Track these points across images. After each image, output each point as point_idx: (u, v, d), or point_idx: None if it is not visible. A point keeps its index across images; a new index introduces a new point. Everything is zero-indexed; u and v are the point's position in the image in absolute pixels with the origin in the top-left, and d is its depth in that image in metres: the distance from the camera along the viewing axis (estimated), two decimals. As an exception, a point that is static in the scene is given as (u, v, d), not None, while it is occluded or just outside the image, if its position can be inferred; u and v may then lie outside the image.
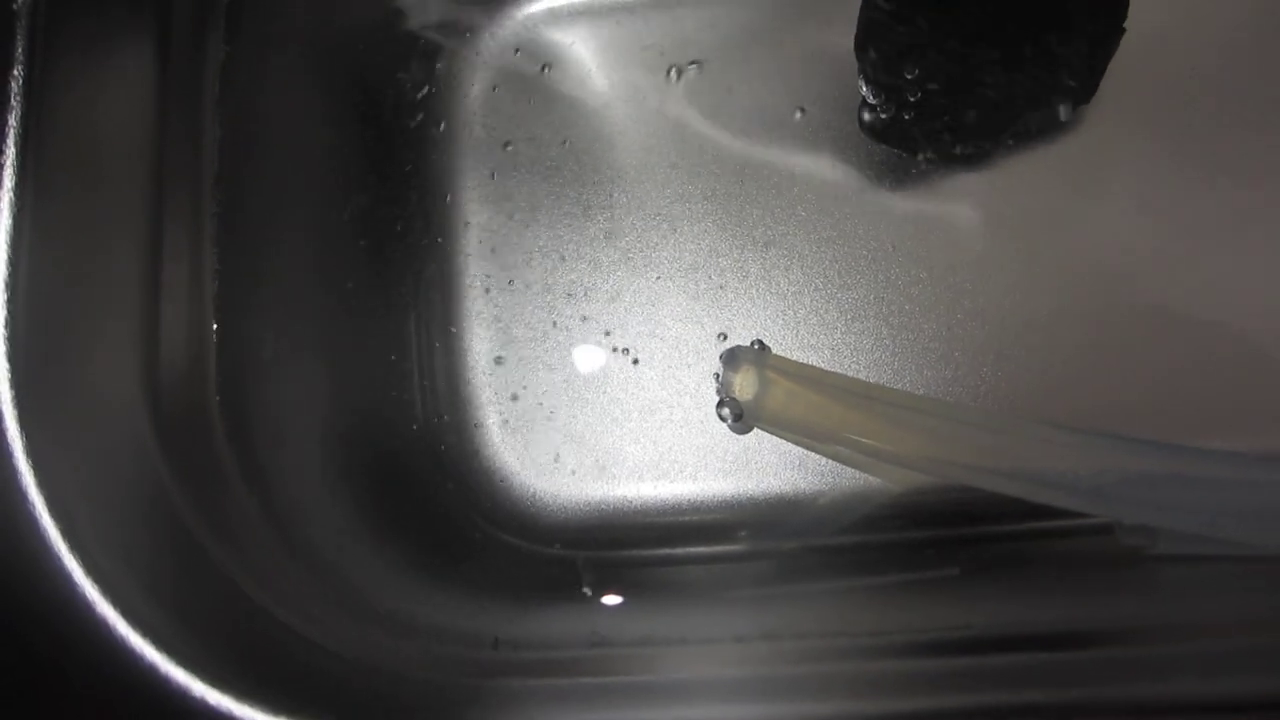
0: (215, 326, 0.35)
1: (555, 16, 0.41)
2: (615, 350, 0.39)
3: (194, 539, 0.31)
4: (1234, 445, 0.34)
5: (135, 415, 0.32)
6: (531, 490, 0.39)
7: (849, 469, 0.37)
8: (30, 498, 0.27)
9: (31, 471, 0.27)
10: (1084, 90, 0.37)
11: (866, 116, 0.38)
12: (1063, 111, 0.38)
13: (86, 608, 0.26)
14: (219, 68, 0.35)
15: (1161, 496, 0.29)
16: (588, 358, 0.39)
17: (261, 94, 0.37)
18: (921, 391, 0.37)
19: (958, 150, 0.38)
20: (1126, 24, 0.36)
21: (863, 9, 0.37)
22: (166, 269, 0.33)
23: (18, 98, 0.29)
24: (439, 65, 0.41)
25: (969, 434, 0.33)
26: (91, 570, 0.27)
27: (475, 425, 0.39)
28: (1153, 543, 0.31)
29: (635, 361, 0.39)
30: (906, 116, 0.37)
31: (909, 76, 0.37)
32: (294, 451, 0.36)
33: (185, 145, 0.35)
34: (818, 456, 0.38)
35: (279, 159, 0.38)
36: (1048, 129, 0.38)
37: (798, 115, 0.39)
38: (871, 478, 0.37)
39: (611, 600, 0.37)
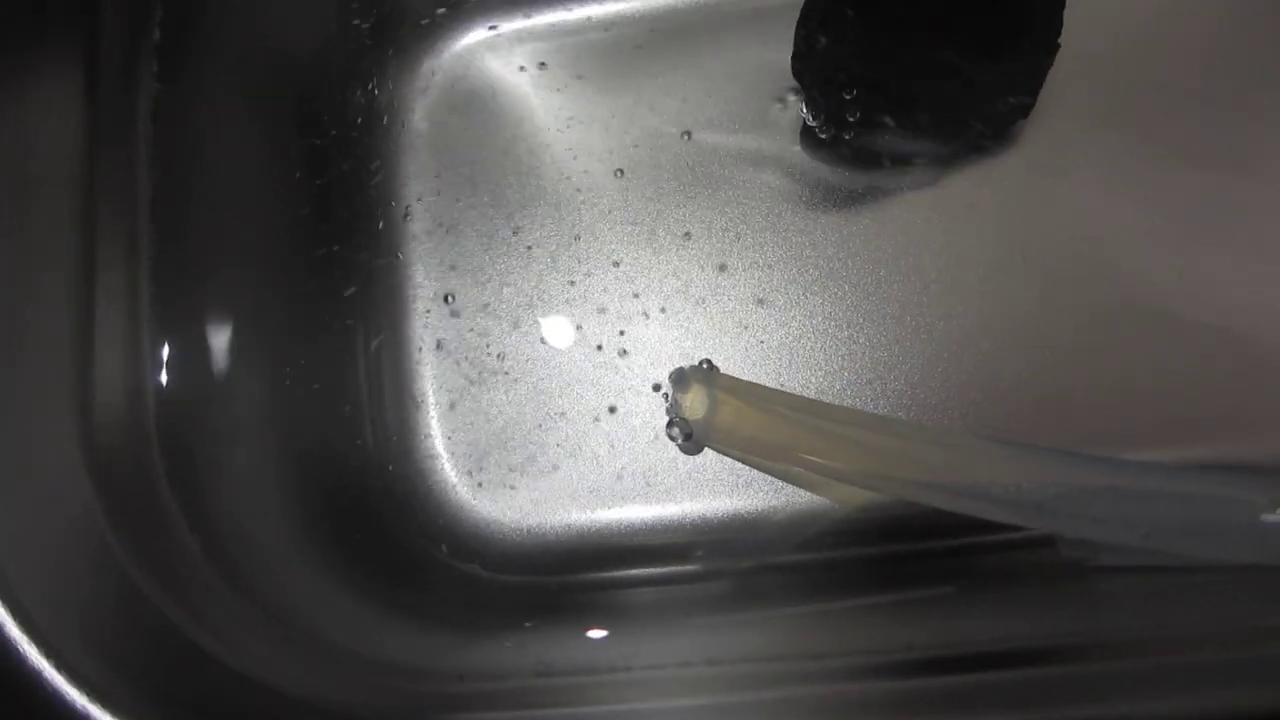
0: (152, 363, 0.34)
1: (494, 44, 0.41)
2: (565, 373, 0.39)
3: (133, 583, 0.30)
4: (1183, 453, 0.35)
5: (70, 458, 0.31)
6: (484, 517, 0.39)
7: (800, 489, 0.37)
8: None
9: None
10: (1023, 104, 0.38)
11: (808, 136, 0.38)
12: (1003, 125, 0.38)
13: (18, 659, 0.26)
14: (151, 97, 0.35)
15: (1098, 510, 0.29)
16: (537, 381, 0.39)
17: (195, 123, 0.36)
18: (873, 407, 0.37)
19: (900, 167, 0.38)
20: (1061, 40, 0.37)
21: (798, 31, 0.37)
22: (100, 305, 0.33)
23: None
24: (376, 90, 0.41)
25: (914, 450, 0.33)
26: (23, 621, 0.26)
27: (425, 453, 0.39)
28: (1094, 555, 0.31)
29: (589, 386, 0.39)
30: (847, 136, 0.38)
31: (847, 97, 0.37)
32: (238, 487, 0.35)
33: (118, 177, 0.34)
34: (769, 476, 0.38)
35: (215, 189, 0.37)
36: (989, 143, 0.38)
37: (742, 136, 0.39)
38: (822, 497, 0.37)
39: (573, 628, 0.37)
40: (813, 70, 0.37)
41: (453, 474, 0.39)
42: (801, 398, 0.37)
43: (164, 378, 0.34)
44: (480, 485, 0.39)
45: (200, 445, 0.35)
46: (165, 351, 0.35)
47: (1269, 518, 0.27)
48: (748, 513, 0.38)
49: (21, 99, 0.32)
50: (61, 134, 0.33)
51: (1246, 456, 0.35)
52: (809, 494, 0.37)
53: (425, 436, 0.39)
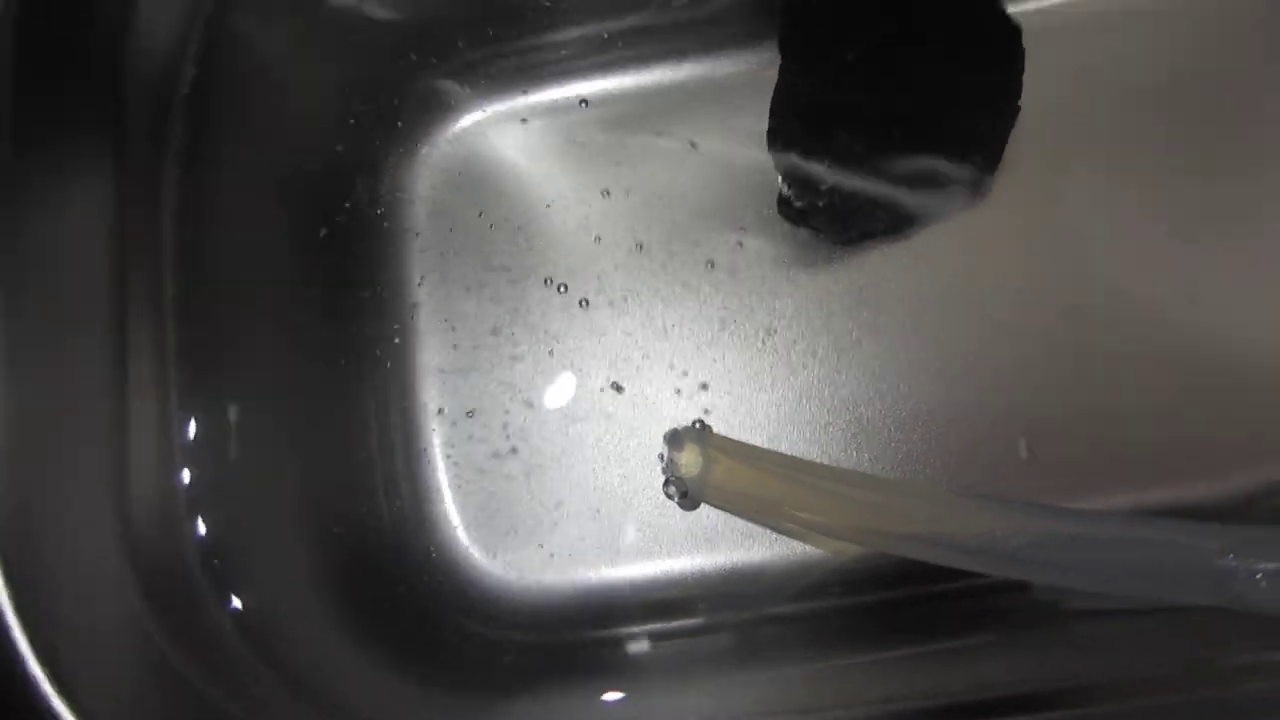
0: (181, 449, 0.36)
1: (489, 125, 0.44)
2: (567, 437, 0.41)
3: (169, 660, 0.32)
4: (1152, 495, 0.37)
5: (108, 544, 0.33)
6: (497, 580, 0.41)
7: (794, 540, 0.39)
8: (20, 648, 0.29)
9: (17, 619, 0.29)
10: (988, 162, 0.40)
11: (785, 204, 0.40)
12: (971, 184, 0.40)
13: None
14: (174, 198, 0.37)
15: (1066, 558, 0.31)
16: (541, 446, 0.41)
17: (215, 219, 0.39)
18: (855, 462, 0.39)
19: (875, 228, 0.40)
20: (1021, 101, 0.39)
21: (771, 108, 0.39)
22: (132, 399, 0.35)
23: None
24: (380, 177, 0.43)
25: (895, 504, 0.35)
26: (66, 696, 0.28)
27: (438, 519, 0.41)
28: (1067, 599, 0.33)
29: (590, 448, 0.41)
30: (820, 203, 0.39)
31: (818, 168, 0.39)
32: (266, 563, 0.38)
33: (146, 275, 0.37)
34: (765, 529, 0.39)
35: (234, 281, 0.40)
36: (958, 199, 0.40)
37: (729, 204, 0.42)
38: (816, 548, 0.39)
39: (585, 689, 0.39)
40: (785, 145, 0.39)
41: (465, 538, 0.41)
42: (789, 456, 0.39)
43: (192, 463, 0.37)
44: (491, 549, 0.41)
45: (228, 526, 0.37)
46: (192, 438, 0.37)
47: (1221, 562, 0.28)
48: (746, 565, 0.40)
49: (53, 205, 0.34)
50: (90, 236, 0.35)
51: (1208, 496, 0.37)
52: (804, 545, 0.39)
53: (438, 504, 0.41)
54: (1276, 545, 0.28)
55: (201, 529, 0.36)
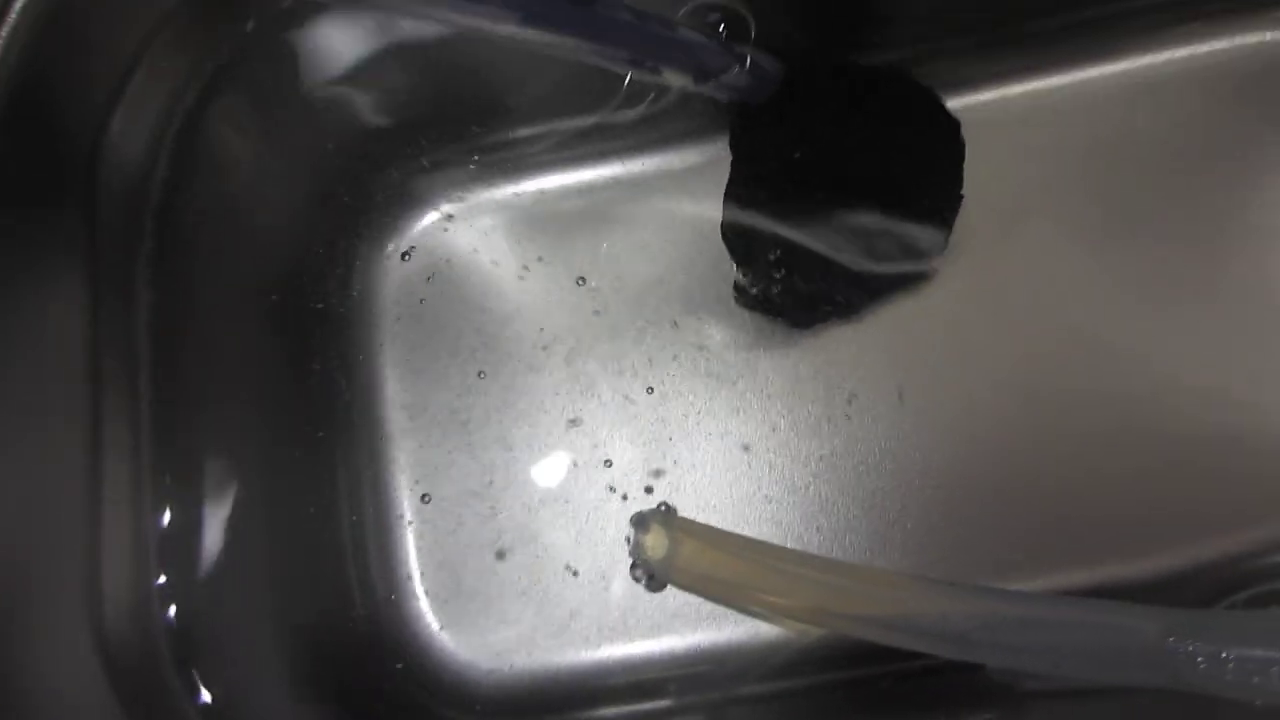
0: (154, 549, 0.37)
1: (454, 219, 0.45)
2: (538, 520, 0.42)
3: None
4: (1096, 574, 0.38)
5: (82, 645, 0.34)
6: (468, 663, 0.41)
7: (761, 621, 0.40)
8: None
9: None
10: (936, 246, 0.41)
11: (741, 291, 0.41)
12: (921, 267, 0.41)
13: None
14: (148, 306, 0.38)
15: (1017, 640, 0.32)
16: (512, 527, 0.42)
17: (188, 317, 0.39)
18: (814, 545, 0.40)
19: (829, 311, 0.42)
20: (964, 189, 0.40)
21: (725, 200, 0.40)
22: (106, 501, 0.35)
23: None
24: (350, 269, 0.45)
25: (852, 587, 0.36)
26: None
27: (410, 606, 0.42)
28: (1019, 680, 0.33)
29: (560, 533, 0.41)
30: (775, 290, 0.41)
31: (771, 258, 0.40)
32: (238, 655, 0.38)
33: (120, 370, 0.37)
34: (732, 610, 0.40)
35: (209, 368, 0.40)
36: (908, 282, 0.41)
37: (690, 292, 0.43)
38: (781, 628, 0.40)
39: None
40: (739, 233, 0.41)
41: (436, 623, 0.42)
42: (751, 539, 0.40)
43: (165, 558, 0.37)
44: (462, 633, 0.41)
45: (200, 619, 0.37)
46: (166, 534, 0.37)
47: (1162, 644, 0.29)
48: (715, 646, 0.41)
49: (26, 311, 0.35)
50: (65, 341, 0.36)
51: (1147, 573, 0.38)
52: (772, 626, 0.40)
53: (410, 589, 0.42)
54: (1215, 628, 0.29)
55: (174, 622, 0.37)
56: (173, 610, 0.36)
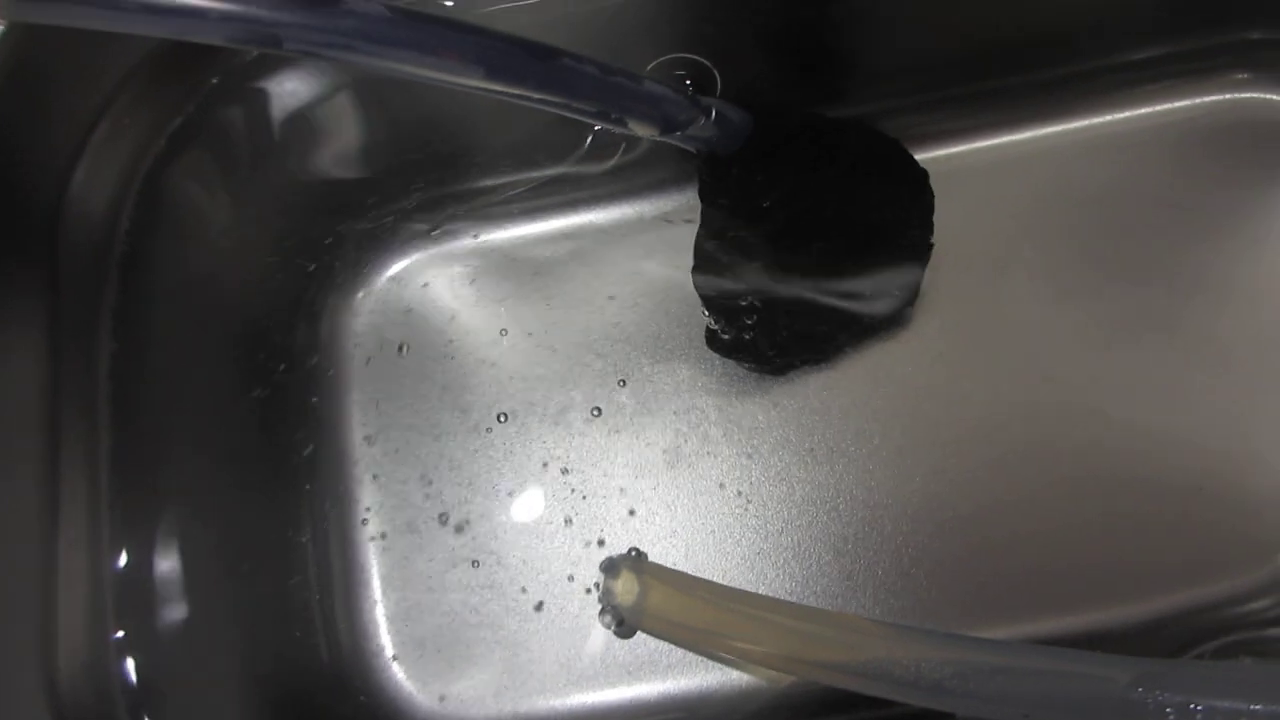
0: (113, 594, 0.36)
1: (421, 267, 0.45)
2: (507, 566, 0.42)
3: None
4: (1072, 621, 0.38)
5: (38, 701, 0.33)
6: (435, 713, 0.41)
7: (734, 668, 0.39)
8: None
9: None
10: (907, 294, 0.41)
11: (713, 337, 0.41)
12: (891, 315, 0.42)
13: None
14: (109, 355, 0.38)
15: (987, 689, 0.31)
16: (478, 579, 0.42)
17: (150, 375, 0.39)
18: (786, 590, 0.40)
19: (801, 357, 0.42)
20: (933, 238, 0.41)
21: (695, 247, 0.41)
22: (61, 553, 0.35)
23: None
24: (325, 314, 0.44)
25: (823, 634, 0.36)
26: None
27: (375, 655, 0.41)
28: (991, 732, 0.33)
29: (529, 581, 0.41)
30: (747, 336, 0.41)
31: (743, 304, 0.40)
32: (198, 708, 0.37)
33: (80, 424, 0.37)
34: (704, 657, 0.40)
35: (171, 418, 0.40)
36: (880, 327, 0.42)
37: (660, 337, 0.43)
38: (752, 675, 0.39)
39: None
40: (710, 283, 0.41)
41: (402, 672, 0.41)
42: (720, 585, 0.39)
43: (123, 610, 0.36)
44: (429, 682, 0.41)
45: (159, 671, 0.36)
46: (124, 584, 0.37)
47: (1131, 695, 0.29)
48: (687, 693, 0.40)
49: None
50: (24, 391, 0.35)
51: (1118, 621, 0.38)
52: (743, 673, 0.40)
53: (375, 638, 0.41)
54: (1183, 679, 0.29)
55: (132, 676, 0.36)
56: (130, 663, 0.35)
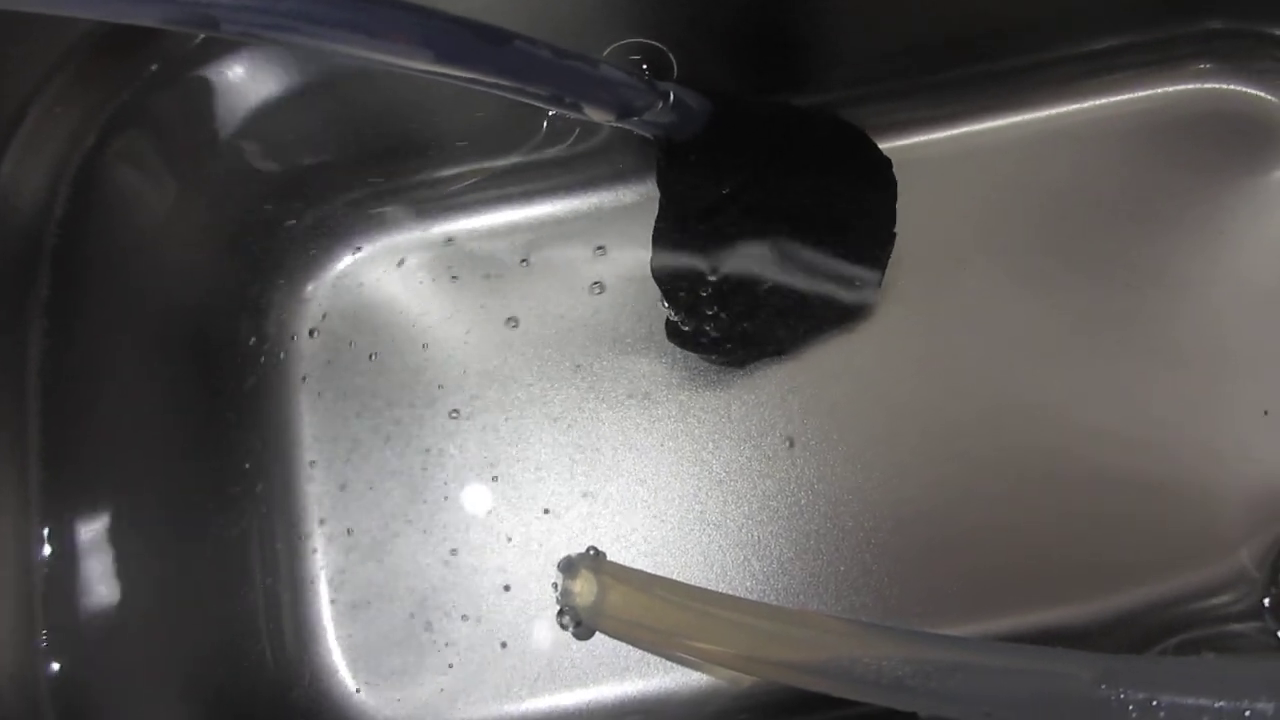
0: (42, 594, 0.35)
1: (371, 261, 0.44)
2: (460, 566, 0.41)
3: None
4: (1035, 618, 0.37)
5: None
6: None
7: (694, 669, 0.39)
8: None
9: None
10: (870, 285, 0.41)
11: (673, 328, 0.41)
12: (853, 307, 0.41)
13: None
14: (41, 349, 0.36)
15: (950, 687, 0.31)
16: (433, 575, 0.41)
17: (85, 364, 0.38)
18: (747, 587, 0.39)
19: (762, 349, 0.41)
20: (896, 228, 0.40)
21: (654, 236, 0.40)
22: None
23: None
24: (273, 308, 0.43)
25: (783, 632, 0.35)
26: None
27: (323, 661, 0.40)
28: (954, 729, 0.33)
29: (483, 581, 0.40)
30: (708, 327, 0.40)
31: (703, 294, 0.40)
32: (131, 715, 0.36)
33: (7, 425, 0.36)
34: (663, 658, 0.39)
35: (108, 415, 0.38)
36: (842, 318, 0.41)
37: (616, 330, 0.42)
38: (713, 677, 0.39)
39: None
40: (669, 273, 0.40)
41: (351, 679, 0.40)
42: (682, 584, 0.39)
43: (52, 611, 0.35)
44: (379, 688, 0.40)
45: (87, 676, 0.35)
46: (53, 584, 0.35)
47: (1094, 692, 0.29)
48: (646, 695, 0.40)
49: None
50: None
51: (1082, 618, 0.38)
52: (703, 674, 0.39)
53: (323, 643, 0.40)
54: (1146, 675, 0.29)
55: (59, 681, 0.35)
56: (56, 667, 0.34)
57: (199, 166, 0.40)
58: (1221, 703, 0.27)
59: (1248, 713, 0.27)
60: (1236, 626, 0.37)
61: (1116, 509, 0.39)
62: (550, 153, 0.43)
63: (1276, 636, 0.37)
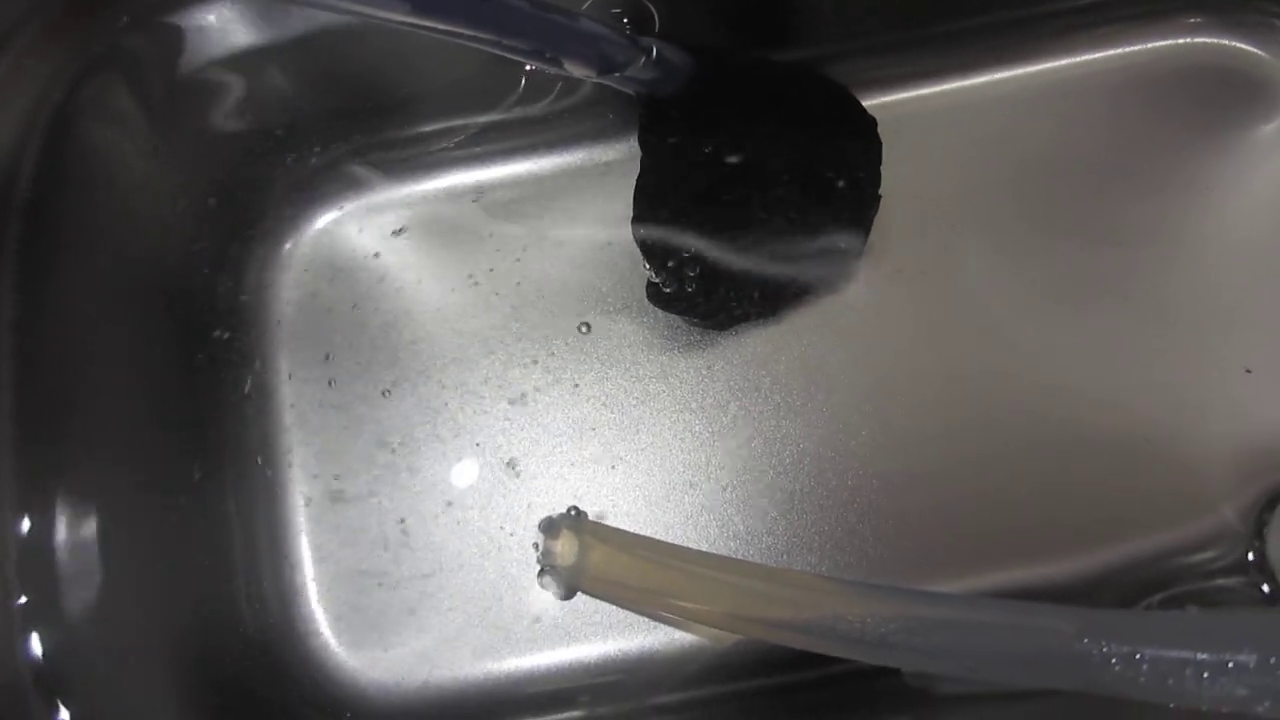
0: (15, 557, 0.34)
1: (351, 218, 0.43)
2: (441, 526, 0.40)
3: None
4: (1017, 573, 0.37)
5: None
6: (366, 679, 0.40)
7: (675, 628, 0.39)
8: None
9: None
10: (854, 248, 0.40)
11: (654, 290, 0.40)
12: (838, 268, 0.40)
13: None
14: (13, 306, 0.36)
15: (933, 643, 0.31)
16: (409, 539, 0.40)
17: (58, 322, 0.37)
18: (729, 547, 0.39)
19: (744, 311, 0.41)
20: (881, 189, 0.40)
21: (635, 197, 0.39)
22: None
23: None
24: (242, 273, 0.42)
25: (767, 590, 0.35)
26: None
27: (303, 619, 0.40)
28: (935, 684, 0.33)
29: (463, 541, 0.40)
30: (689, 289, 0.40)
31: (686, 255, 0.39)
32: (109, 678, 0.36)
33: None
34: (645, 618, 0.39)
35: (84, 373, 0.38)
36: (825, 283, 0.41)
37: (598, 289, 0.42)
38: (695, 635, 0.39)
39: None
40: (651, 233, 0.40)
41: (334, 639, 0.40)
42: (663, 542, 0.38)
43: (27, 575, 0.34)
44: (362, 649, 0.40)
45: (67, 641, 0.35)
46: (28, 547, 0.35)
47: (1076, 646, 0.29)
48: (627, 654, 0.39)
49: None
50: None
51: (1063, 575, 0.37)
52: (684, 633, 0.39)
53: (305, 604, 0.40)
54: (1128, 629, 0.29)
55: (37, 646, 0.34)
56: (35, 636, 0.34)
57: (173, 121, 0.40)
58: (1204, 655, 0.27)
59: (1230, 664, 0.27)
60: (1222, 581, 0.37)
61: (1101, 468, 0.39)
62: (531, 110, 0.42)
63: (1261, 590, 0.37)
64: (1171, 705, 0.27)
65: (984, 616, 0.31)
